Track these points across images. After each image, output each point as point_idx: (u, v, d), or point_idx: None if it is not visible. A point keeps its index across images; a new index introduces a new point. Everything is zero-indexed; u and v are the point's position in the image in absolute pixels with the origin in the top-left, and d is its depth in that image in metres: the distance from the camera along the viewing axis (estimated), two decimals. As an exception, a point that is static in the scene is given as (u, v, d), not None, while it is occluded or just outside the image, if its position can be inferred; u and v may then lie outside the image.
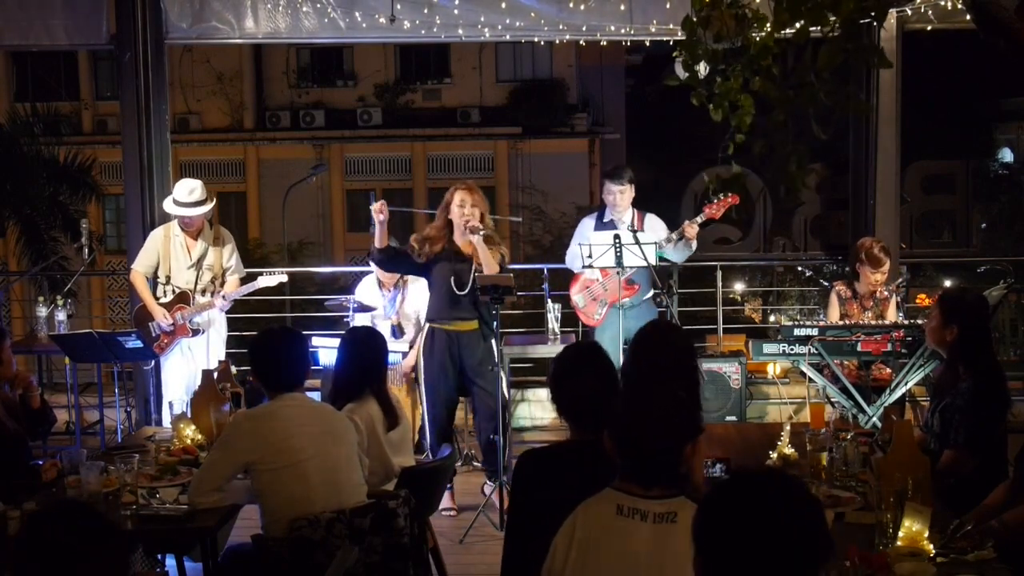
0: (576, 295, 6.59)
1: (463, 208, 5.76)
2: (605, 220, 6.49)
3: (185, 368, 6.57)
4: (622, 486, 2.66)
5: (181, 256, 6.51)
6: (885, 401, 5.80)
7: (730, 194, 6.25)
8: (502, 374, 5.86)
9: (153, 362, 6.78)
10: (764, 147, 3.53)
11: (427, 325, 5.92)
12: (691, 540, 2.04)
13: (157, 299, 6.52)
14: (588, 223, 6.60)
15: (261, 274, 6.67)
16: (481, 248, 5.68)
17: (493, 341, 5.82)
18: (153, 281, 6.58)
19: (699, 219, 6.38)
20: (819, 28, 3.44)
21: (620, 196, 6.39)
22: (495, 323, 5.75)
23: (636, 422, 2.69)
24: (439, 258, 5.80)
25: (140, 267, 6.57)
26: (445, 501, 5.79)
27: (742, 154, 3.77)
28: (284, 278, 6.74)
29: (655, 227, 6.46)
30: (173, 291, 6.51)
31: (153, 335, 6.44)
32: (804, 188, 3.55)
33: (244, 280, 6.68)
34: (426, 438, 6.80)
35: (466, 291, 5.71)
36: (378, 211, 5.67)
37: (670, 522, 2.58)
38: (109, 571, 2.31)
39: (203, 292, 6.51)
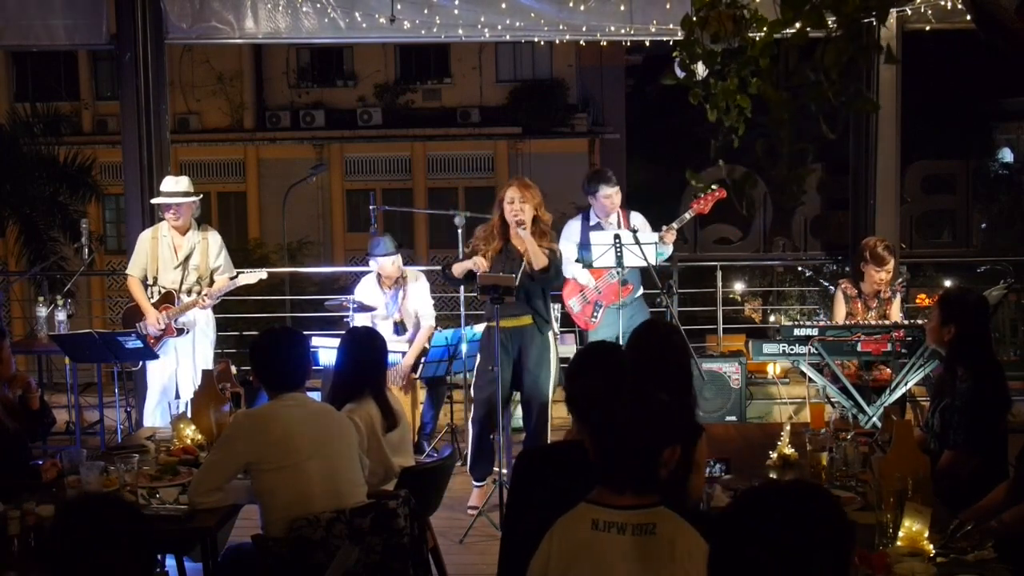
0: (571, 300, 6.57)
1: (512, 205, 5.73)
2: (592, 224, 6.48)
3: (169, 368, 6.59)
4: (597, 497, 2.60)
5: (168, 256, 6.54)
6: (885, 401, 5.80)
7: (717, 188, 6.26)
8: (552, 371, 5.83)
9: (141, 362, 6.79)
10: (764, 146, 3.53)
11: (484, 324, 5.92)
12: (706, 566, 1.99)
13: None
14: (575, 226, 6.55)
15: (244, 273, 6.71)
16: (529, 242, 5.66)
17: (550, 334, 5.82)
18: (143, 282, 6.60)
19: (688, 214, 6.39)
20: (820, 29, 3.44)
21: (616, 198, 6.40)
22: (551, 315, 5.80)
23: (608, 423, 2.64)
24: (496, 258, 5.78)
25: (134, 271, 6.61)
26: (474, 499, 5.86)
27: (745, 154, 3.77)
28: (263, 275, 6.76)
29: (643, 224, 6.46)
30: (159, 291, 6.53)
31: (141, 334, 6.45)
32: (800, 190, 3.54)
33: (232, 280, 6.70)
34: (425, 438, 6.82)
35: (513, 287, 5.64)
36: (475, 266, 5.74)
37: (648, 534, 2.52)
38: (136, 563, 2.32)
39: (189, 292, 6.53)
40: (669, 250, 6.48)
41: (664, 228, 6.37)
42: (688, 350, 3.88)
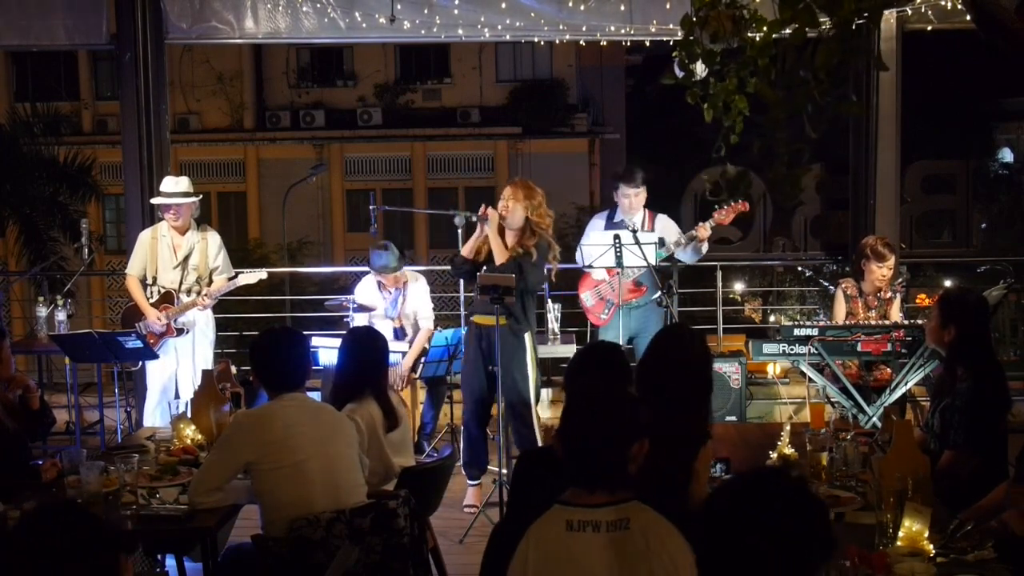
0: (584, 293, 6.60)
1: (501, 202, 5.79)
2: (615, 220, 6.49)
3: (170, 368, 6.61)
4: (569, 497, 2.60)
5: (167, 256, 6.55)
6: (885, 401, 5.80)
7: (740, 200, 6.26)
8: (530, 372, 5.82)
9: (141, 362, 6.79)
10: (761, 146, 3.52)
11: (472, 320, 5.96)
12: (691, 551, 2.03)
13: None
14: (598, 223, 6.59)
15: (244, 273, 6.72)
16: (492, 237, 5.69)
17: (526, 336, 5.79)
18: (142, 282, 6.61)
19: (710, 223, 6.38)
20: (814, 29, 3.44)
21: (636, 199, 6.41)
22: (528, 318, 5.79)
23: (573, 419, 2.64)
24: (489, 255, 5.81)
25: (134, 271, 6.62)
26: (470, 497, 5.85)
27: (743, 153, 3.76)
28: (263, 275, 6.77)
29: (667, 228, 6.46)
30: (159, 291, 6.54)
31: (141, 334, 6.45)
32: (796, 191, 3.54)
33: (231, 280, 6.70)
34: (425, 438, 6.82)
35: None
36: (484, 214, 5.68)
37: (623, 529, 2.52)
38: (98, 572, 2.30)
39: (188, 292, 6.54)
40: (704, 248, 6.48)
41: (700, 225, 6.35)
42: (708, 357, 3.82)
